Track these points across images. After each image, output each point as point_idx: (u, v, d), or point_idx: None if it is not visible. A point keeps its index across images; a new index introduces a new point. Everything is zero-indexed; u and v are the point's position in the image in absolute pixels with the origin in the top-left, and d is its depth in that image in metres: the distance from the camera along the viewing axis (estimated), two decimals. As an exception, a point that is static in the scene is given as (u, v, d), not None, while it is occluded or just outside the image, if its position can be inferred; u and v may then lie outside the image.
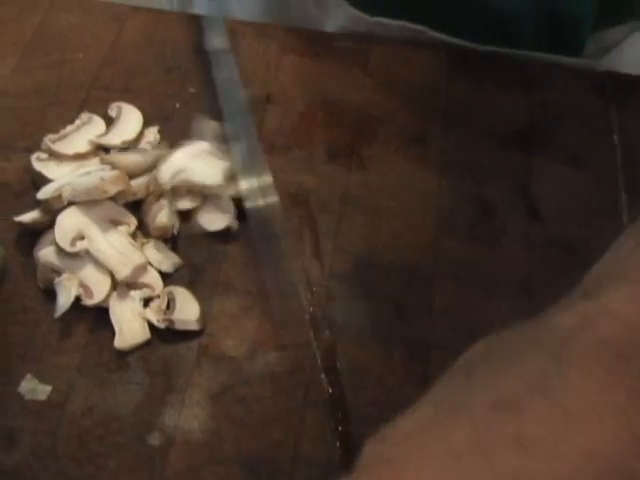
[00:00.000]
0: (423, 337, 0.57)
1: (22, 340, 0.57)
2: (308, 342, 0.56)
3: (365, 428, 0.52)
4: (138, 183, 0.61)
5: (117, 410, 0.54)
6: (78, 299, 0.57)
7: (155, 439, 0.53)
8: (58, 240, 0.57)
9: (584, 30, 0.73)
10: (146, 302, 0.58)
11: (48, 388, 0.55)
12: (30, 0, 0.76)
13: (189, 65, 0.71)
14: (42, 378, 0.55)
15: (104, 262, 0.58)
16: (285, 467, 0.52)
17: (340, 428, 0.53)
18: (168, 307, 0.58)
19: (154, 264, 0.60)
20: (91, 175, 0.60)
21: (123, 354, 0.56)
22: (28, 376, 0.55)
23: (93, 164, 0.63)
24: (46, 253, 0.59)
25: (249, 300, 0.58)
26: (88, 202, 0.59)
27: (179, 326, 0.57)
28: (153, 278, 0.59)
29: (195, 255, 0.61)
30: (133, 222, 0.61)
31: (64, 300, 0.57)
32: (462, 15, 0.74)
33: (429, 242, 0.59)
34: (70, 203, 0.59)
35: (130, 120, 0.65)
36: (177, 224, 0.61)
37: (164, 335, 0.57)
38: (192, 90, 0.70)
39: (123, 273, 0.58)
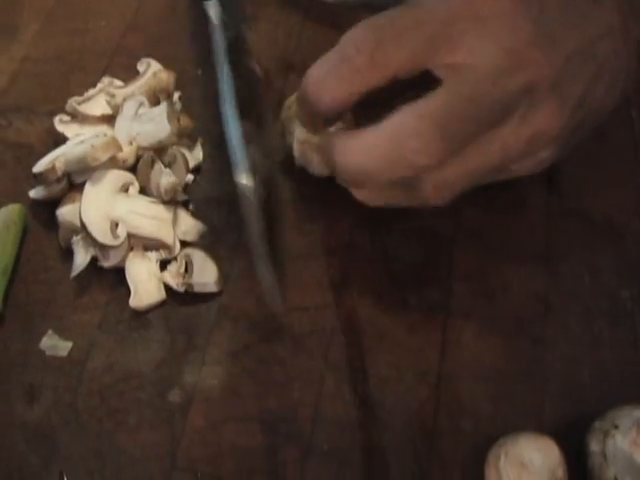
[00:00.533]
0: (441, 302, 0.57)
1: (43, 298, 0.57)
2: (328, 303, 0.57)
3: (383, 389, 0.53)
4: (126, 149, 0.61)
5: (138, 367, 0.54)
6: (96, 259, 0.58)
7: (175, 396, 0.53)
8: (101, 240, 0.57)
9: None
10: (163, 264, 0.59)
11: (69, 344, 0.55)
12: (54, -32, 0.77)
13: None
14: (63, 335, 0.56)
15: (149, 236, 0.58)
16: (304, 426, 0.52)
17: (359, 389, 0.54)
18: (186, 270, 0.58)
19: (178, 235, 0.60)
20: (84, 143, 0.60)
21: (143, 313, 0.56)
22: (49, 332, 0.56)
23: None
24: (66, 211, 0.59)
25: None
26: (93, 181, 0.59)
27: (198, 289, 0.57)
28: (170, 239, 0.59)
29: (214, 217, 0.61)
30: (134, 179, 0.61)
31: (80, 260, 0.58)
32: None
33: (449, 210, 0.59)
34: (65, 174, 0.59)
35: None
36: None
37: (184, 294, 0.57)
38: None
39: (170, 238, 0.58)
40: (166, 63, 0.67)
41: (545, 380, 0.54)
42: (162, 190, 0.59)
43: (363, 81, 0.50)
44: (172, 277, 0.58)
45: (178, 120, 0.61)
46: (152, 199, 0.59)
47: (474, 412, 0.53)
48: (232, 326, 0.56)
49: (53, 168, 0.59)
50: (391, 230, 0.60)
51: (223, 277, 0.58)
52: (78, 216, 0.57)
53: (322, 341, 0.55)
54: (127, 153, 0.61)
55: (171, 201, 0.60)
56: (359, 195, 0.55)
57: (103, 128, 0.63)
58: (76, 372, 0.54)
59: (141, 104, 0.62)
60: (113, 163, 0.60)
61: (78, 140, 0.61)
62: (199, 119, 0.65)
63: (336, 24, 0.72)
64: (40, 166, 0.59)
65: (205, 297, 0.57)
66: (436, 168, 0.50)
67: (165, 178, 0.59)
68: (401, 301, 0.57)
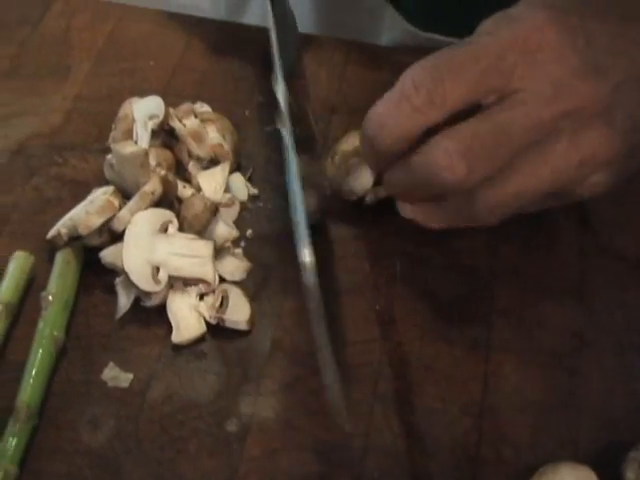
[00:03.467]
0: (483, 337, 0.60)
1: (103, 330, 0.60)
2: (375, 338, 0.60)
3: (429, 420, 0.56)
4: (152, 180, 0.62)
5: (196, 398, 0.57)
6: (138, 299, 0.61)
7: (232, 425, 0.56)
8: (143, 287, 0.59)
9: None
10: (200, 296, 0.61)
11: (130, 376, 0.58)
12: (102, 10, 0.80)
13: (256, 74, 0.75)
14: (124, 367, 0.58)
15: (190, 276, 0.60)
16: (356, 455, 0.55)
17: (406, 419, 0.57)
18: (221, 304, 0.60)
19: (227, 277, 0.62)
20: (83, 207, 0.62)
21: (200, 346, 0.59)
22: (110, 364, 0.59)
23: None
24: (108, 254, 0.61)
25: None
26: (132, 225, 0.60)
27: (229, 325, 0.60)
28: (210, 276, 0.61)
29: (265, 254, 0.64)
30: (172, 216, 0.62)
31: (124, 302, 0.60)
32: None
33: (486, 248, 0.62)
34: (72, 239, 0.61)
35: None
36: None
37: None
38: (260, 99, 0.73)
39: (210, 274, 0.60)
40: (213, 104, 0.70)
41: (580, 411, 0.57)
42: (216, 238, 0.61)
43: (422, 119, 0.53)
44: (207, 309, 0.60)
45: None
46: (192, 236, 0.61)
47: (515, 441, 0.56)
48: (284, 359, 0.59)
49: (59, 234, 0.61)
50: (433, 267, 0.63)
51: (253, 318, 0.60)
52: (119, 258, 0.59)
53: (370, 374, 0.58)
54: (154, 184, 0.61)
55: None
56: (414, 214, 0.58)
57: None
58: (137, 402, 0.57)
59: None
60: (142, 199, 0.61)
61: (90, 199, 0.63)
62: (249, 157, 0.68)
63: (377, 65, 0.75)
64: (52, 231, 0.62)
65: (260, 330, 0.60)
66: (470, 186, 0.53)
67: (223, 228, 0.62)
68: (445, 335, 0.60)
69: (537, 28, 0.54)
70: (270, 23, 0.67)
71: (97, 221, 0.60)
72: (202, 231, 0.61)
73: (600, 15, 0.55)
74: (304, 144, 0.60)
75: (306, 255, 0.53)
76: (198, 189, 0.63)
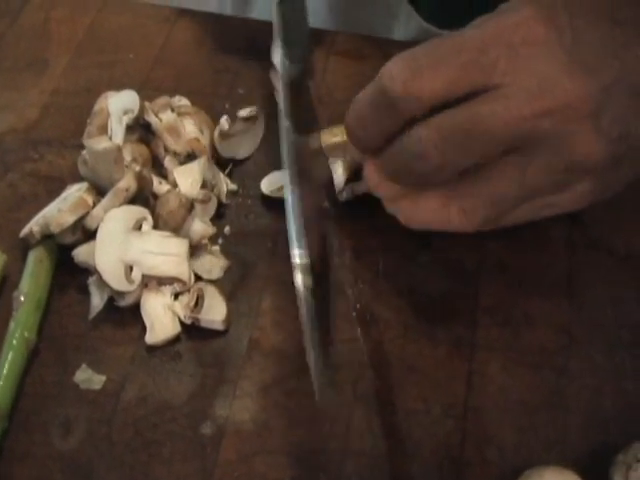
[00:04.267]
0: (467, 335, 0.58)
1: (77, 331, 0.59)
2: (356, 337, 0.58)
3: (411, 421, 0.54)
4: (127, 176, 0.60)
5: (170, 400, 0.56)
6: (112, 299, 0.59)
7: (207, 428, 0.55)
8: (116, 287, 0.57)
9: None
10: (175, 295, 0.60)
11: (103, 378, 0.57)
12: (82, 2, 0.78)
13: (238, 67, 0.73)
14: (97, 368, 0.57)
15: (164, 274, 0.58)
16: (334, 458, 0.53)
17: (387, 421, 0.55)
18: (196, 304, 0.59)
19: (203, 275, 0.60)
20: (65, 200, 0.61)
21: (175, 346, 0.58)
22: (83, 366, 0.57)
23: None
24: (81, 252, 0.59)
25: (298, 296, 0.60)
26: (105, 222, 0.59)
27: (204, 324, 0.58)
28: (185, 275, 0.59)
29: (244, 251, 0.62)
30: (146, 212, 0.60)
31: (97, 302, 0.59)
32: None
33: (471, 243, 0.60)
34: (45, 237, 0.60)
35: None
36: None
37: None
38: (241, 91, 0.71)
39: (185, 273, 0.59)
40: (193, 97, 0.68)
41: (569, 411, 0.55)
42: (192, 236, 0.60)
43: (399, 111, 0.52)
44: (181, 309, 0.59)
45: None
46: (166, 233, 0.59)
47: (500, 443, 0.54)
48: (262, 360, 0.57)
49: (32, 232, 0.60)
50: (417, 263, 0.61)
51: (229, 317, 0.59)
52: (92, 257, 0.58)
53: (350, 374, 0.56)
54: (128, 180, 0.60)
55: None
56: (395, 212, 0.57)
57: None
58: (110, 405, 0.55)
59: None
60: (116, 196, 0.60)
61: (64, 196, 0.61)
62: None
63: (360, 55, 0.73)
64: (25, 230, 0.61)
65: (237, 330, 0.58)
66: (445, 176, 0.53)
67: (199, 225, 0.60)
68: (428, 334, 0.58)
69: (522, 22, 0.52)
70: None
71: (69, 219, 0.59)
72: (177, 228, 0.59)
73: (590, 16, 0.53)
74: (304, 125, 0.59)
75: (297, 257, 0.52)
76: (174, 185, 0.61)
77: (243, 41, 0.74)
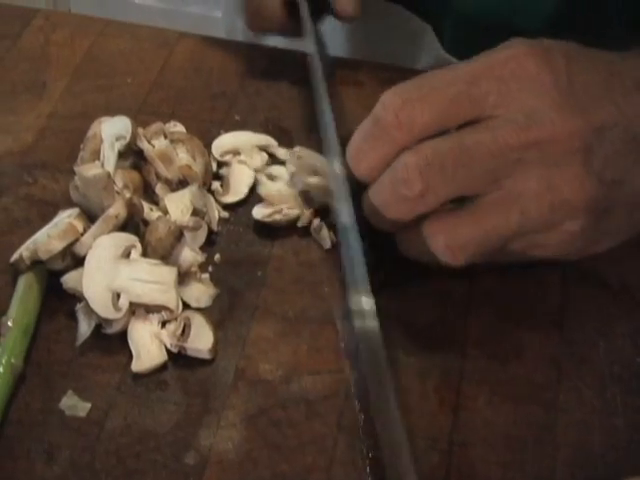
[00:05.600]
0: (456, 367, 0.58)
1: (64, 357, 0.58)
2: (342, 369, 0.58)
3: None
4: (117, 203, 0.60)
5: (154, 429, 0.55)
6: (100, 326, 0.59)
7: (191, 458, 0.54)
8: (103, 315, 0.57)
9: None
10: (163, 323, 0.59)
11: (88, 405, 0.56)
12: (82, 25, 0.79)
13: (235, 92, 0.73)
14: (82, 395, 0.57)
15: (152, 303, 0.58)
16: (317, 490, 0.53)
17: (371, 454, 0.54)
18: (183, 332, 0.58)
19: (192, 303, 0.60)
20: (46, 230, 0.61)
21: (161, 375, 0.58)
22: (69, 392, 0.57)
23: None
24: (69, 279, 0.59)
25: (286, 325, 0.59)
26: (94, 250, 0.59)
27: (190, 353, 0.58)
28: (172, 303, 0.59)
29: (233, 279, 0.62)
30: (135, 240, 0.60)
31: (84, 328, 0.59)
32: None
33: (461, 272, 0.60)
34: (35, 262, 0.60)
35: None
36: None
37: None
38: (237, 117, 0.71)
39: (173, 301, 0.58)
40: (189, 122, 0.68)
41: (557, 447, 0.55)
42: (181, 263, 0.59)
43: (391, 141, 0.53)
44: (168, 337, 0.58)
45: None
46: (154, 261, 0.59)
47: (485, 479, 0.53)
48: (248, 390, 0.57)
49: (21, 258, 0.59)
50: (407, 293, 0.61)
51: (216, 346, 0.58)
52: (81, 283, 0.58)
53: (336, 406, 0.56)
54: (118, 207, 0.60)
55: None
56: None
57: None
58: (94, 433, 0.55)
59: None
60: (106, 223, 0.59)
61: (55, 222, 0.61)
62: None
63: (358, 82, 0.73)
64: (14, 255, 0.60)
65: (223, 359, 0.58)
66: (430, 206, 0.53)
67: (188, 253, 0.60)
68: (415, 366, 0.58)
69: (513, 57, 0.53)
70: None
71: (58, 246, 0.59)
72: (166, 256, 0.59)
73: (587, 64, 0.54)
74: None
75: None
76: (165, 211, 0.61)
77: (241, 65, 0.74)
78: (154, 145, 0.63)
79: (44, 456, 0.54)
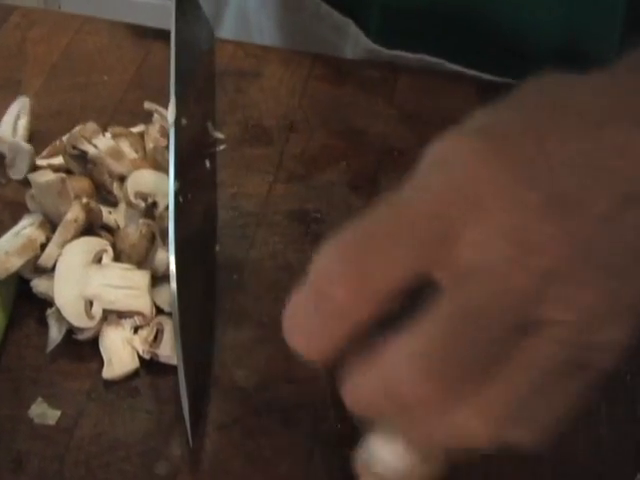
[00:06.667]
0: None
1: (35, 363, 0.57)
2: (317, 376, 0.56)
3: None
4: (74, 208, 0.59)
5: (125, 437, 0.54)
6: (71, 331, 0.57)
7: (162, 468, 0.53)
8: (76, 323, 0.56)
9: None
10: (135, 329, 0.58)
11: (57, 413, 0.55)
12: (60, 22, 0.77)
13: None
14: (52, 402, 0.55)
15: (125, 309, 0.57)
16: (291, 502, 0.52)
17: (347, 464, 0.53)
18: (155, 338, 0.57)
19: (161, 305, 0.58)
20: (17, 237, 0.59)
21: (133, 382, 0.56)
22: (39, 400, 0.55)
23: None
24: (40, 283, 0.58)
25: (261, 331, 0.58)
26: (64, 256, 0.57)
27: (163, 360, 0.57)
28: (146, 308, 0.57)
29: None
30: (107, 244, 0.59)
31: (55, 335, 0.57)
32: (479, 47, 0.73)
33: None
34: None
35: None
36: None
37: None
38: (216, 117, 0.70)
39: (147, 306, 0.57)
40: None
41: (540, 459, 0.53)
42: (157, 265, 0.58)
43: (350, 318, 0.39)
44: (140, 343, 0.57)
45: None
46: (127, 265, 0.58)
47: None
48: (222, 397, 0.56)
49: None
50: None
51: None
52: (52, 289, 0.56)
53: (311, 415, 0.55)
54: (75, 212, 0.58)
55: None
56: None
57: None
58: (63, 441, 0.54)
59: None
60: (66, 229, 0.58)
61: (16, 230, 0.59)
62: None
63: (339, 81, 0.72)
64: None
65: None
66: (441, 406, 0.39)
67: (163, 254, 0.58)
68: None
69: (470, 173, 0.39)
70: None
71: (16, 263, 0.57)
72: (142, 261, 0.58)
73: (562, 130, 0.40)
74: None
75: None
76: (129, 203, 0.59)
77: (221, 64, 0.73)
78: (95, 145, 0.61)
79: (12, 465, 0.53)
